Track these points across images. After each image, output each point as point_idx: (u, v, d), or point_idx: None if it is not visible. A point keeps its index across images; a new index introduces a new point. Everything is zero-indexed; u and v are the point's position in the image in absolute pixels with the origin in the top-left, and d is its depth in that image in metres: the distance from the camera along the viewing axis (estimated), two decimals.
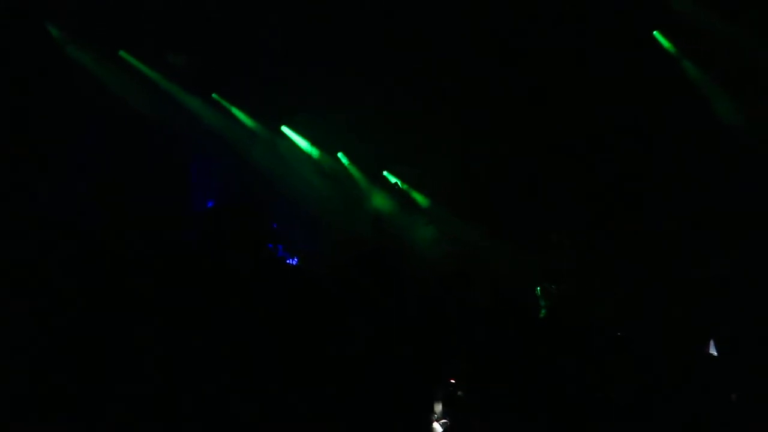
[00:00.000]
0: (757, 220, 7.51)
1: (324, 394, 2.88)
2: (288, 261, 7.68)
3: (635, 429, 3.94)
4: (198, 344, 2.57)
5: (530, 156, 8.91)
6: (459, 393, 3.78)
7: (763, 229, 7.41)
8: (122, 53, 8.86)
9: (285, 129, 9.94)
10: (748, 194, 7.64)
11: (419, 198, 10.04)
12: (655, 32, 8.31)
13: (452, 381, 3.72)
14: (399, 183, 9.63)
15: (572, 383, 3.91)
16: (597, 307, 7.13)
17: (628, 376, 4.38)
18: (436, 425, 3.64)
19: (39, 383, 2.38)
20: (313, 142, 10.04)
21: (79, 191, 7.78)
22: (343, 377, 2.99)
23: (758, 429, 4.22)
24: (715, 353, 5.12)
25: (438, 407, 3.75)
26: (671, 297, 7.17)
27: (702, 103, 8.15)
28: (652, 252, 8.05)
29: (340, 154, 10.14)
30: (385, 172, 10.02)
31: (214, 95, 9.55)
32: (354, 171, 10.16)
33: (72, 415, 2.35)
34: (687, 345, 5.14)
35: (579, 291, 7.26)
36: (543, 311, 6.87)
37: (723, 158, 7.91)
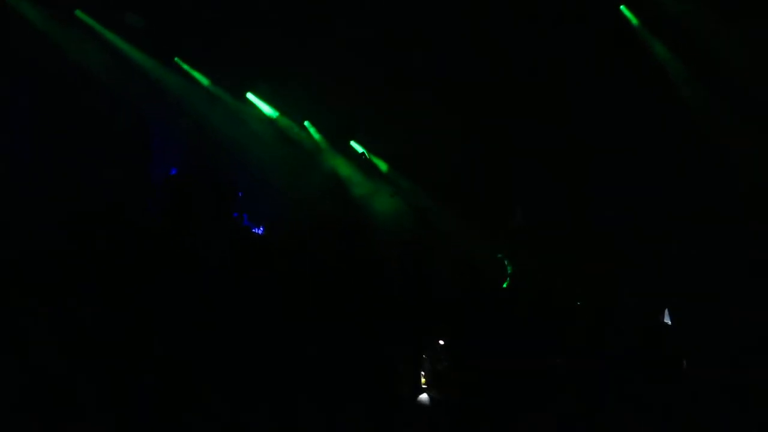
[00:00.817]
0: (716, 204, 7.74)
1: (298, 364, 2.90)
2: (254, 230, 7.62)
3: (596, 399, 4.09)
4: (166, 317, 2.55)
5: (505, 139, 8.97)
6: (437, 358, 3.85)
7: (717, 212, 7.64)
8: (78, 13, 8.51)
9: (250, 95, 9.77)
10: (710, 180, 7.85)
11: (385, 168, 10.03)
12: (621, 6, 8.37)
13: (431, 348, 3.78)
14: (366, 153, 9.60)
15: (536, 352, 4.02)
16: (556, 279, 7.29)
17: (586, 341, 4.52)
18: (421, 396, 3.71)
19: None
20: (279, 109, 9.90)
21: (32, 160, 7.52)
22: (314, 347, 3.01)
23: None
24: (669, 322, 5.32)
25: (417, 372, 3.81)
26: (628, 270, 7.38)
27: (671, 87, 8.28)
28: (611, 227, 8.24)
29: (306, 123, 10.03)
30: (351, 142, 9.97)
31: (175, 59, 9.28)
32: (320, 139, 10.07)
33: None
34: (642, 314, 5.32)
35: (540, 266, 7.41)
36: (507, 281, 7.00)
37: (694, 144, 8.07)
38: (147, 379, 2.47)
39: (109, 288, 2.52)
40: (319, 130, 10.02)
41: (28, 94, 7.93)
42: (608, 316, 5.04)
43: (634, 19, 8.36)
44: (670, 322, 5.55)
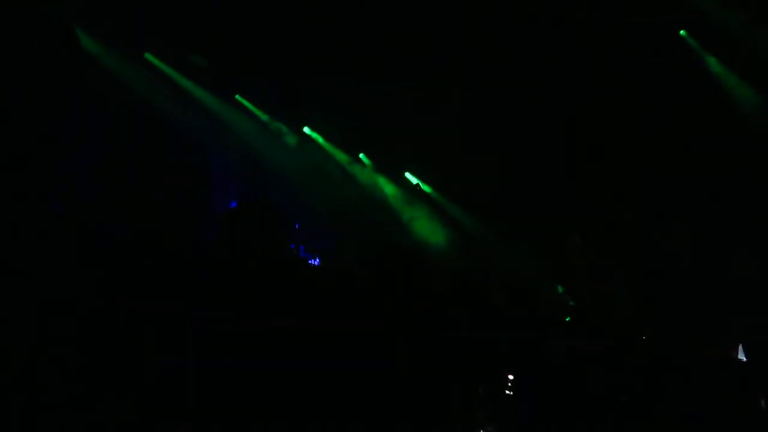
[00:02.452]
0: None
1: (346, 393, 2.89)
2: (310, 261, 7.71)
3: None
4: (221, 345, 2.59)
5: (548, 156, 8.85)
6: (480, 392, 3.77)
7: None
8: (148, 55, 8.99)
9: (307, 130, 10.00)
10: None
11: (439, 198, 10.03)
12: (681, 32, 8.21)
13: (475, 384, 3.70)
14: (420, 184, 9.63)
15: (595, 385, 3.88)
16: (615, 310, 7.05)
17: (654, 381, 4.33)
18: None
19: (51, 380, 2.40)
20: (334, 142, 10.09)
21: (100, 193, 7.89)
22: (367, 375, 3.00)
23: None
24: (744, 358, 5.04)
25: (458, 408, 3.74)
26: (693, 300, 7.07)
27: (725, 100, 8.03)
28: (672, 255, 7.94)
29: (361, 155, 10.17)
30: (406, 173, 10.02)
31: (237, 96, 9.64)
32: (375, 171, 10.18)
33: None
34: (713, 349, 5.06)
35: (595, 294, 7.19)
36: (568, 317, 6.81)
37: (747, 156, 7.77)
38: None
39: (166, 318, 2.59)
40: (374, 161, 10.14)
41: (98, 129, 8.38)
42: (677, 351, 4.82)
43: (693, 42, 8.18)
44: (745, 359, 5.26)
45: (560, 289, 7.23)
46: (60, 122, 7.80)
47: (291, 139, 9.95)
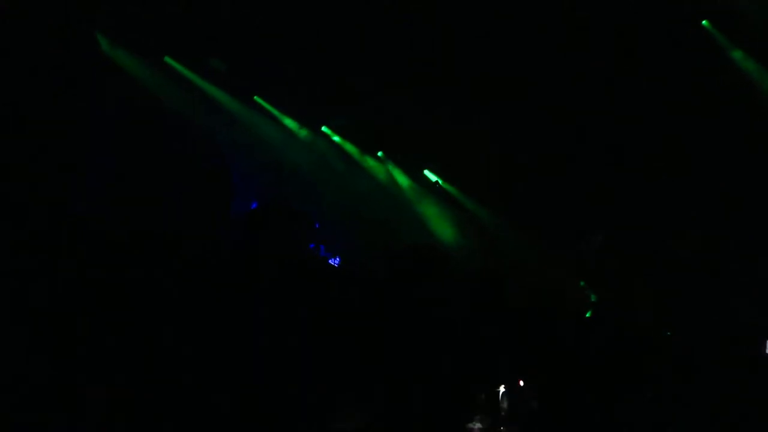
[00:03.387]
0: None
1: (369, 394, 2.89)
2: (330, 261, 7.74)
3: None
4: (242, 346, 2.61)
5: (571, 154, 8.77)
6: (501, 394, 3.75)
7: None
8: (167, 59, 9.08)
9: (325, 129, 10.03)
10: None
11: (459, 196, 9.99)
12: (704, 21, 8.05)
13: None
14: (440, 182, 9.61)
15: (620, 389, 3.84)
16: (640, 309, 6.97)
17: (677, 380, 4.27)
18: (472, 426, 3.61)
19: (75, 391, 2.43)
20: (353, 141, 10.10)
21: (118, 196, 7.96)
22: (387, 377, 3.00)
23: None
24: None
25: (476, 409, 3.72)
26: (718, 298, 6.96)
27: (749, 93, 7.87)
28: (696, 254, 7.82)
29: (380, 154, 10.16)
30: (426, 171, 10.00)
31: (255, 98, 9.70)
32: (394, 169, 10.17)
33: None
34: (739, 347, 4.97)
35: (620, 294, 7.11)
36: (589, 311, 6.74)
37: None
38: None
39: (187, 319, 2.61)
40: (393, 160, 10.13)
41: (118, 132, 8.48)
42: (700, 348, 4.75)
43: (719, 35, 8.02)
44: None
45: (582, 284, 7.16)
46: (79, 126, 7.91)
47: (310, 140, 9.99)
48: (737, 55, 7.97)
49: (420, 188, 10.10)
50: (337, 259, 8.09)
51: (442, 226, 9.96)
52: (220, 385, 2.49)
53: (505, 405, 3.68)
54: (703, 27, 8.05)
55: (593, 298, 6.97)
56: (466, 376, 3.41)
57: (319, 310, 2.88)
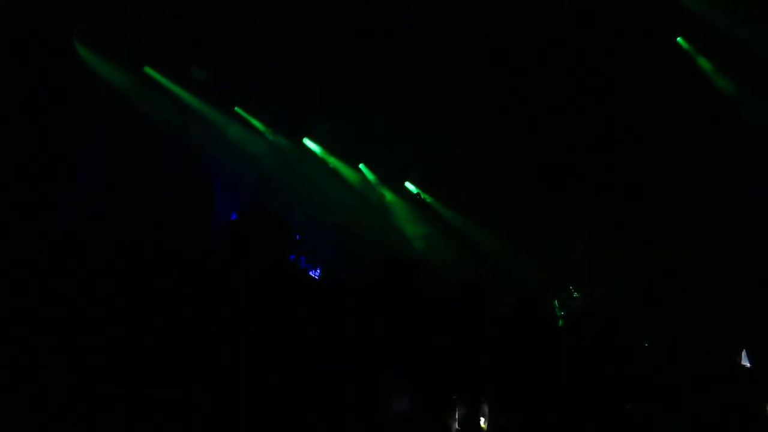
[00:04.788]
0: None
1: (345, 407, 2.87)
2: (310, 272, 7.69)
3: None
4: (220, 358, 2.58)
5: (552, 164, 8.87)
6: (482, 405, 3.74)
7: None
8: (147, 69, 9.01)
9: (306, 141, 10.01)
10: None
11: (441, 208, 10.02)
12: (678, 38, 8.23)
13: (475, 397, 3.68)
14: (421, 194, 9.64)
15: (597, 397, 3.85)
16: (621, 317, 7.03)
17: (652, 388, 4.30)
18: None
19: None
20: (334, 153, 10.10)
21: (100, 207, 7.88)
22: (367, 389, 2.98)
23: None
24: (748, 363, 5.00)
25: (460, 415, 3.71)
26: (697, 308, 7.04)
27: (731, 107, 8.05)
28: (678, 262, 7.92)
29: (361, 165, 10.17)
30: (406, 183, 10.03)
31: (236, 108, 9.66)
32: (375, 181, 10.18)
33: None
34: (717, 355, 5.03)
35: (601, 301, 7.19)
36: (560, 321, 6.81)
37: (754, 163, 7.78)
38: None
39: (162, 330, 2.58)
40: (374, 171, 10.14)
41: (98, 142, 8.39)
42: (679, 357, 4.79)
43: (690, 48, 8.20)
44: (749, 364, 5.22)
45: (555, 303, 7.24)
46: (59, 136, 7.81)
47: (291, 151, 9.96)
48: (709, 69, 8.16)
49: (401, 200, 10.13)
50: (318, 270, 8.05)
51: (423, 237, 9.98)
52: (199, 395, 2.46)
53: (484, 422, 3.69)
54: (677, 43, 8.24)
55: (576, 294, 7.04)
56: (449, 387, 3.40)
57: (299, 322, 2.86)
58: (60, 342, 2.48)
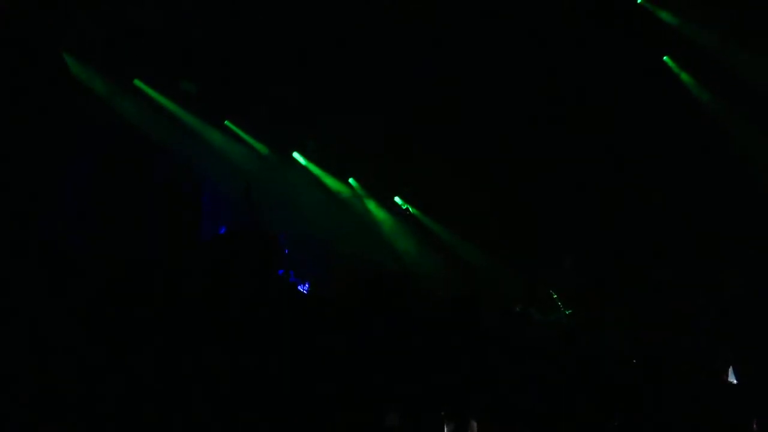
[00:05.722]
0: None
1: (332, 417, 2.85)
2: (299, 287, 7.65)
3: None
4: (212, 370, 2.56)
5: (539, 178, 8.93)
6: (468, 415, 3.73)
7: None
8: (137, 82, 9.00)
9: (296, 155, 10.01)
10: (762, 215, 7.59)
11: (429, 222, 10.04)
12: (665, 57, 8.36)
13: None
14: (410, 208, 9.65)
15: (584, 410, 3.85)
16: (606, 331, 7.06)
17: (645, 405, 4.31)
18: None
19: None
20: (324, 167, 10.10)
21: (88, 220, 7.82)
22: (352, 400, 2.96)
23: None
24: (735, 380, 5.03)
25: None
26: (683, 322, 7.08)
27: (714, 126, 8.16)
28: (663, 277, 7.98)
29: (351, 180, 10.18)
30: (396, 198, 10.04)
31: (226, 122, 9.64)
32: (365, 196, 10.18)
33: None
34: (705, 373, 5.05)
35: (588, 316, 7.21)
36: (547, 334, 6.82)
37: (736, 180, 7.87)
38: None
39: (151, 342, 2.55)
40: (364, 186, 10.15)
41: (87, 155, 8.35)
42: (666, 375, 4.80)
43: (675, 67, 8.33)
44: (735, 381, 5.24)
45: (554, 296, 7.28)
46: (45, 148, 7.77)
47: (280, 165, 9.95)
48: (693, 86, 8.29)
49: (391, 215, 10.13)
50: (307, 285, 8.01)
51: (411, 251, 9.97)
52: (187, 408, 2.43)
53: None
54: (664, 62, 8.37)
55: (563, 308, 7.07)
56: (437, 404, 3.39)
57: (287, 336, 2.84)
58: (40, 353, 2.45)
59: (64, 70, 8.40)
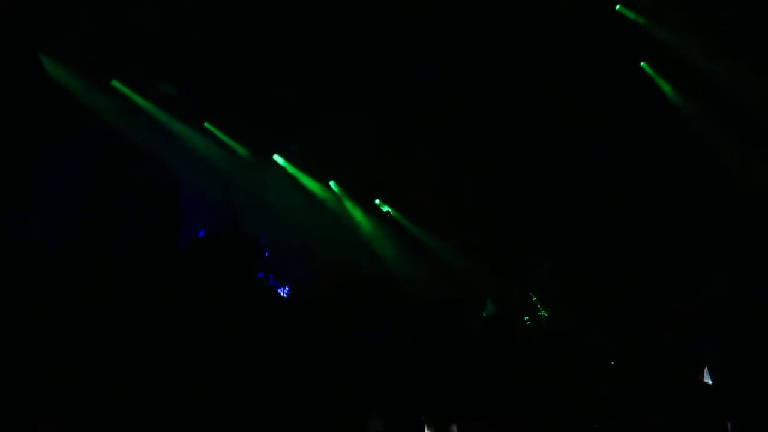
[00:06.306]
0: (747, 243, 7.57)
1: (317, 423, 2.83)
2: (279, 290, 7.61)
3: None
4: (190, 376, 2.52)
5: (523, 182, 8.99)
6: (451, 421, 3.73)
7: (753, 252, 7.47)
8: (115, 82, 8.89)
9: (276, 157, 9.96)
10: (741, 218, 7.71)
11: (410, 226, 10.05)
12: (642, 63, 8.47)
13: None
14: (391, 211, 9.65)
15: (566, 414, 3.88)
16: (587, 335, 7.12)
17: (622, 406, 4.35)
18: None
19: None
20: (305, 170, 10.07)
21: (64, 223, 7.70)
22: (336, 405, 2.94)
23: None
24: (710, 381, 5.10)
25: None
26: (664, 326, 7.16)
27: (691, 133, 8.28)
28: (644, 280, 8.07)
29: (331, 183, 10.16)
30: (376, 201, 10.04)
31: (206, 124, 9.57)
32: (345, 199, 10.17)
33: None
34: (681, 374, 5.11)
35: (569, 320, 7.27)
36: (528, 338, 6.87)
37: (715, 184, 7.99)
38: None
39: (129, 346, 2.51)
40: (344, 189, 10.13)
41: (63, 157, 8.21)
42: (644, 376, 4.86)
43: (652, 73, 8.45)
44: (711, 382, 5.32)
45: (534, 299, 7.32)
46: (22, 150, 7.63)
47: (260, 167, 9.89)
48: (671, 93, 8.40)
49: (371, 218, 10.12)
50: (287, 288, 7.97)
51: (392, 255, 9.97)
52: (167, 412, 2.40)
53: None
54: (641, 68, 8.48)
55: (543, 313, 7.11)
56: (418, 408, 3.38)
57: (266, 340, 2.82)
58: (22, 355, 2.41)
59: (40, 70, 8.26)
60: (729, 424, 4.66)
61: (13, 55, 7.73)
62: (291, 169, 10.03)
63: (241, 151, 9.77)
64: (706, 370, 5.43)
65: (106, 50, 8.34)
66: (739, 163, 7.96)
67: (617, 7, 8.19)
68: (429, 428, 3.50)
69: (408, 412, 3.39)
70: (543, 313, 7.32)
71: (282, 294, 7.63)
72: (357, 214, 10.20)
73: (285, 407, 2.69)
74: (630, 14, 8.12)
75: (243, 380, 2.60)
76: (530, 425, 3.89)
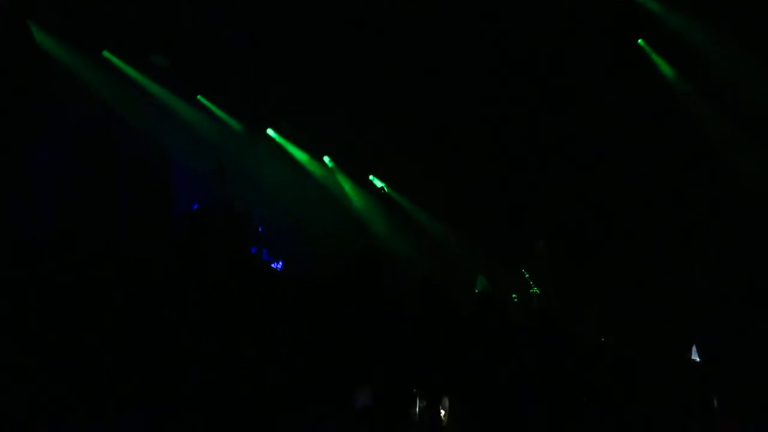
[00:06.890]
0: (737, 229, 7.63)
1: (310, 396, 2.86)
2: (272, 265, 7.61)
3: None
4: (185, 349, 2.54)
5: (516, 165, 9.00)
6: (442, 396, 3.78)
7: (739, 235, 7.53)
8: (106, 53, 8.76)
9: (270, 132, 9.90)
10: (727, 204, 7.76)
11: (404, 202, 10.06)
12: (639, 41, 8.42)
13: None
14: (385, 187, 9.65)
15: (557, 393, 3.93)
16: (577, 314, 7.20)
17: (609, 383, 4.41)
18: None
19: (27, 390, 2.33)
20: (299, 145, 10.02)
21: (56, 197, 7.63)
22: (329, 379, 2.97)
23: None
24: (698, 358, 5.17)
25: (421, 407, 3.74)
26: (652, 305, 7.25)
27: (689, 118, 8.27)
28: (633, 262, 8.13)
29: (326, 158, 10.12)
30: (371, 177, 10.02)
31: (198, 97, 9.47)
32: (339, 174, 10.14)
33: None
34: (668, 351, 5.18)
35: (558, 300, 7.35)
36: (518, 316, 6.93)
37: (708, 170, 8.02)
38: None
39: (125, 321, 2.52)
40: (338, 165, 10.11)
41: (53, 129, 8.11)
42: (634, 353, 4.92)
43: (650, 51, 8.40)
44: (698, 359, 5.40)
45: (527, 275, 7.39)
46: (11, 122, 7.53)
47: (254, 142, 9.83)
48: (669, 72, 8.37)
49: (365, 193, 10.11)
50: (280, 263, 7.97)
51: (386, 231, 9.99)
52: (158, 385, 2.41)
53: (444, 414, 3.72)
54: (639, 46, 8.43)
55: (535, 290, 7.18)
56: (410, 381, 3.42)
57: (260, 314, 2.83)
58: (20, 339, 2.41)
59: (28, 39, 8.11)
60: (715, 400, 4.74)
61: (3, 25, 7.59)
62: (285, 143, 9.98)
63: (235, 125, 9.69)
64: (693, 347, 5.50)
65: (98, 20, 8.20)
66: (738, 151, 7.98)
67: None
68: (421, 401, 3.54)
69: (399, 385, 3.43)
70: (535, 290, 7.38)
71: (276, 269, 7.64)
72: (351, 190, 10.19)
73: (278, 380, 2.72)
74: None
75: (241, 352, 2.62)
76: (519, 400, 3.95)
